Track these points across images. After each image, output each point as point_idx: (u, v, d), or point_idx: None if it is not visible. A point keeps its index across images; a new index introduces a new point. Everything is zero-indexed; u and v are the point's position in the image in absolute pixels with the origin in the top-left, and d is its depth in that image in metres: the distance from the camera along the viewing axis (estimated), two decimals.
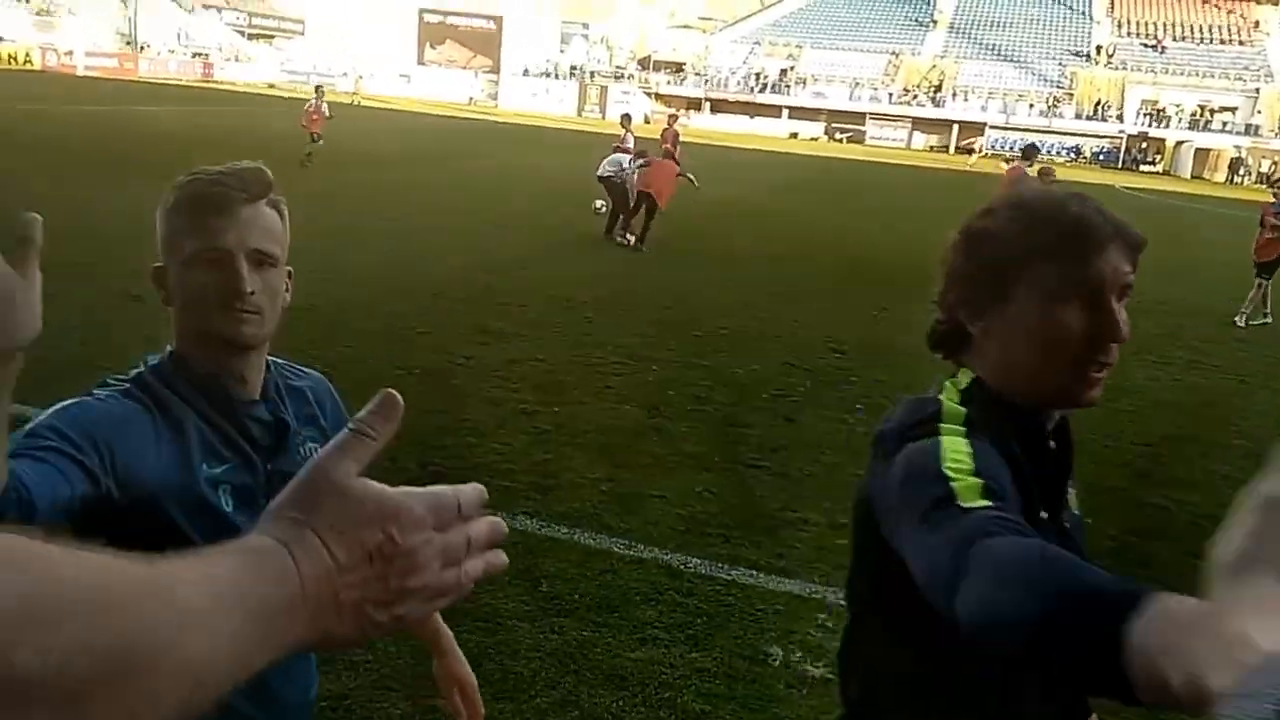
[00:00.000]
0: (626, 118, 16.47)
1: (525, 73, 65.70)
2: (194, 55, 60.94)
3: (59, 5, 54.68)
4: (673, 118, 19.11)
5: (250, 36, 67.71)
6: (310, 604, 0.53)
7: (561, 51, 68.78)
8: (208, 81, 57.08)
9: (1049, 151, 57.14)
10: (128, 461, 1.27)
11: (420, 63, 68.24)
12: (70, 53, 50.82)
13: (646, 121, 60.24)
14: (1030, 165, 13.24)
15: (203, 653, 0.47)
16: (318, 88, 21.16)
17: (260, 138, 24.25)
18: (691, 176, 14.04)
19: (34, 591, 0.40)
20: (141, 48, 57.71)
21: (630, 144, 14.65)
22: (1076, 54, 62.36)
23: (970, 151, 48.46)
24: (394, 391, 0.61)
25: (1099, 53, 61.86)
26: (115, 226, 10.98)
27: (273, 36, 70.73)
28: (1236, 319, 12.02)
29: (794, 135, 58.66)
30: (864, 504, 1.37)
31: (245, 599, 0.50)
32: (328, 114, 19.44)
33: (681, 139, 18.04)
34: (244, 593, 0.50)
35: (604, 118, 60.71)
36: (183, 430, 1.37)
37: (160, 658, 0.44)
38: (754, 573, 4.34)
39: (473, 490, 0.63)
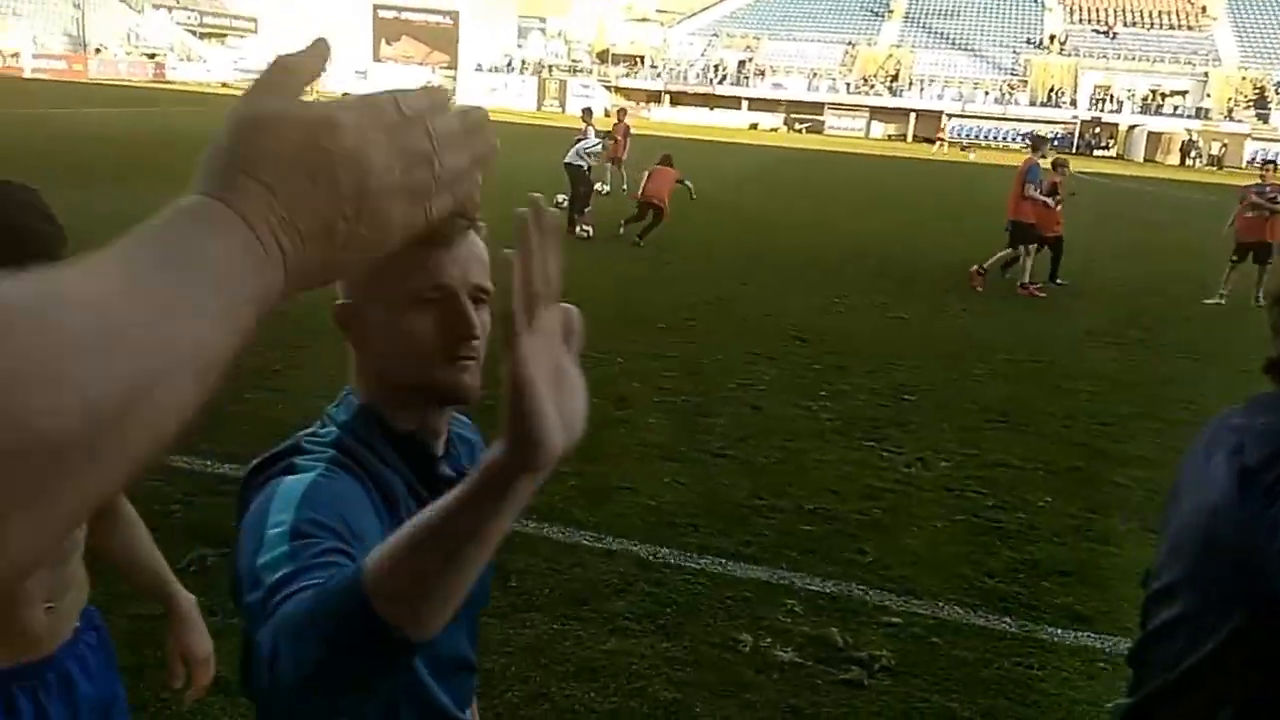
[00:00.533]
0: (588, 112, 16.51)
1: (482, 68, 65.32)
2: (145, 56, 59.92)
3: (3, 6, 53.48)
4: (621, 112, 19.52)
5: (202, 36, 66.69)
6: (272, 247, 0.49)
7: (519, 46, 68.44)
8: (160, 82, 56.16)
9: (1004, 138, 57.92)
10: (367, 545, 1.02)
11: (376, 59, 67.60)
12: (16, 54, 49.77)
13: (606, 115, 60.27)
14: (1043, 157, 13.07)
15: (199, 337, 0.44)
16: (586, 111, 18.09)
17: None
18: (690, 185, 14.09)
19: (30, 349, 0.37)
20: (97, 49, 56.62)
21: (591, 137, 14.71)
22: (1029, 41, 63.09)
23: (934, 141, 48.83)
24: (324, 39, 0.57)
25: (1052, 40, 62.62)
26: (69, 233, 10.80)
27: (225, 35, 69.71)
28: (1218, 299, 12.23)
29: (754, 126, 58.84)
30: (1229, 547, 1.26)
31: (210, 264, 0.46)
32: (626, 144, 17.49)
33: (632, 133, 18.39)
34: (207, 258, 0.46)
35: (564, 111, 60.54)
36: (395, 502, 1.18)
37: (171, 362, 0.42)
38: (723, 561, 4.37)
39: (421, 92, 0.57)
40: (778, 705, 3.36)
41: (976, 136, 58.05)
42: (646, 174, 13.65)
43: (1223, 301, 12.20)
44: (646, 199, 13.36)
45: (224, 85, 58.23)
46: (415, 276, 1.15)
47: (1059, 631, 4.00)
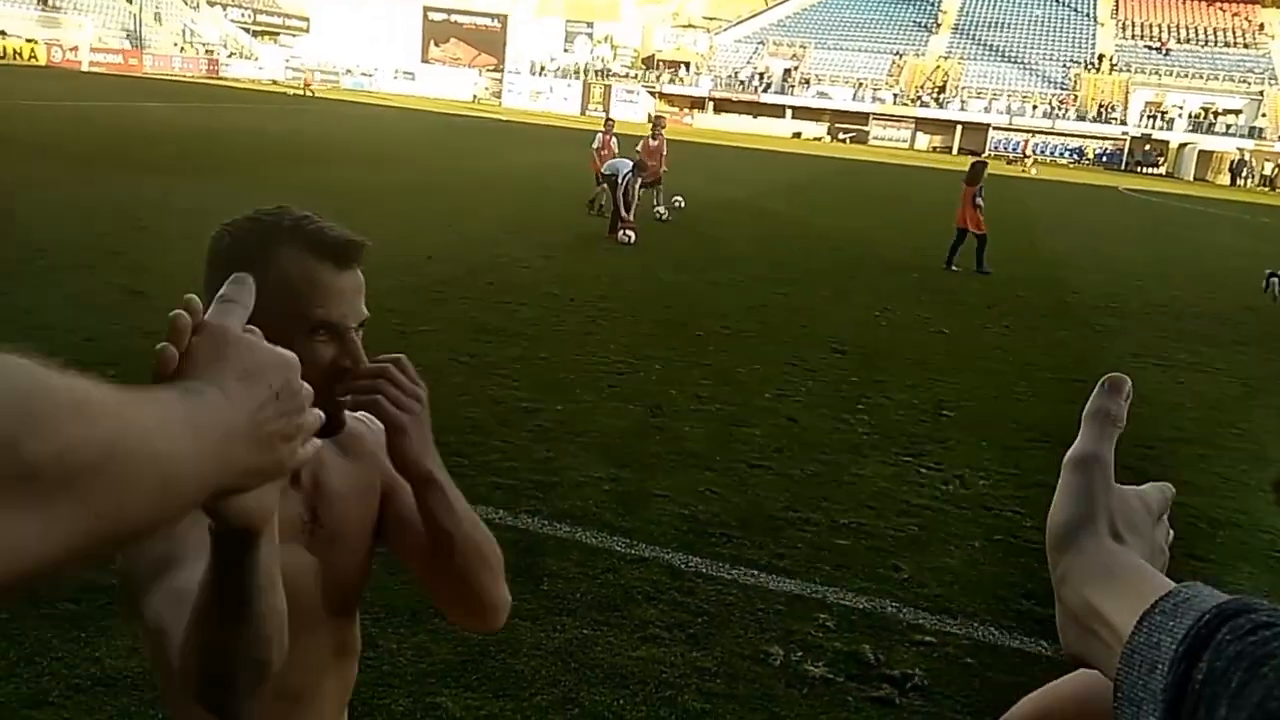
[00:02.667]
0: (610, 122, 16.95)
1: (530, 71, 65.69)
2: (200, 51, 60.98)
3: (65, 1, 54.70)
4: (659, 121, 17.10)
5: (255, 33, 67.69)
6: (242, 433, 0.62)
7: (566, 50, 68.70)
8: (213, 78, 57.09)
9: (1051, 153, 57.17)
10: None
11: (424, 60, 68.25)
12: (75, 49, 50.83)
13: (649, 120, 60.33)
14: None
15: (170, 453, 0.54)
16: (607, 119, 17.06)
17: (265, 135, 24.27)
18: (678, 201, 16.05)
19: (34, 392, 0.46)
20: (147, 49, 57.69)
21: (614, 148, 15.58)
22: (1079, 58, 62.27)
23: (1022, 160, 47.92)
24: (243, 274, 0.74)
25: (1101, 59, 61.76)
26: (120, 222, 11.01)
27: (278, 34, 70.71)
28: None
29: (797, 135, 58.61)
30: None
31: (191, 418, 0.58)
32: (616, 150, 15.70)
33: (665, 153, 16.01)
34: (189, 413, 0.58)
35: (608, 115, 60.72)
36: None
37: (138, 452, 0.51)
38: (755, 572, 4.34)
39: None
40: None
41: (1024, 151, 57.39)
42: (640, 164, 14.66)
43: None
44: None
45: (275, 83, 59.07)
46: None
47: None
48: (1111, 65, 60.99)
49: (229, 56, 62.53)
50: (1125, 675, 0.50)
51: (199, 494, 0.58)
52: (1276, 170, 52.68)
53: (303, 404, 0.69)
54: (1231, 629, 0.46)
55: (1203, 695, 0.44)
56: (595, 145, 15.85)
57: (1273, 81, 58.23)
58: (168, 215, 11.56)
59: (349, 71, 64.36)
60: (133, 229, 10.71)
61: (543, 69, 65.81)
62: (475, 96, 64.46)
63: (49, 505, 0.45)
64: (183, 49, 59.70)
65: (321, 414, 0.74)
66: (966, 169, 14.36)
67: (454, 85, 64.79)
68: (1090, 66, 61.18)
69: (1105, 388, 0.67)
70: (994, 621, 4.13)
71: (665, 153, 15.87)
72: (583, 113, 61.46)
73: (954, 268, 13.89)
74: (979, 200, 13.88)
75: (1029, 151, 49.35)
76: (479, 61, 67.84)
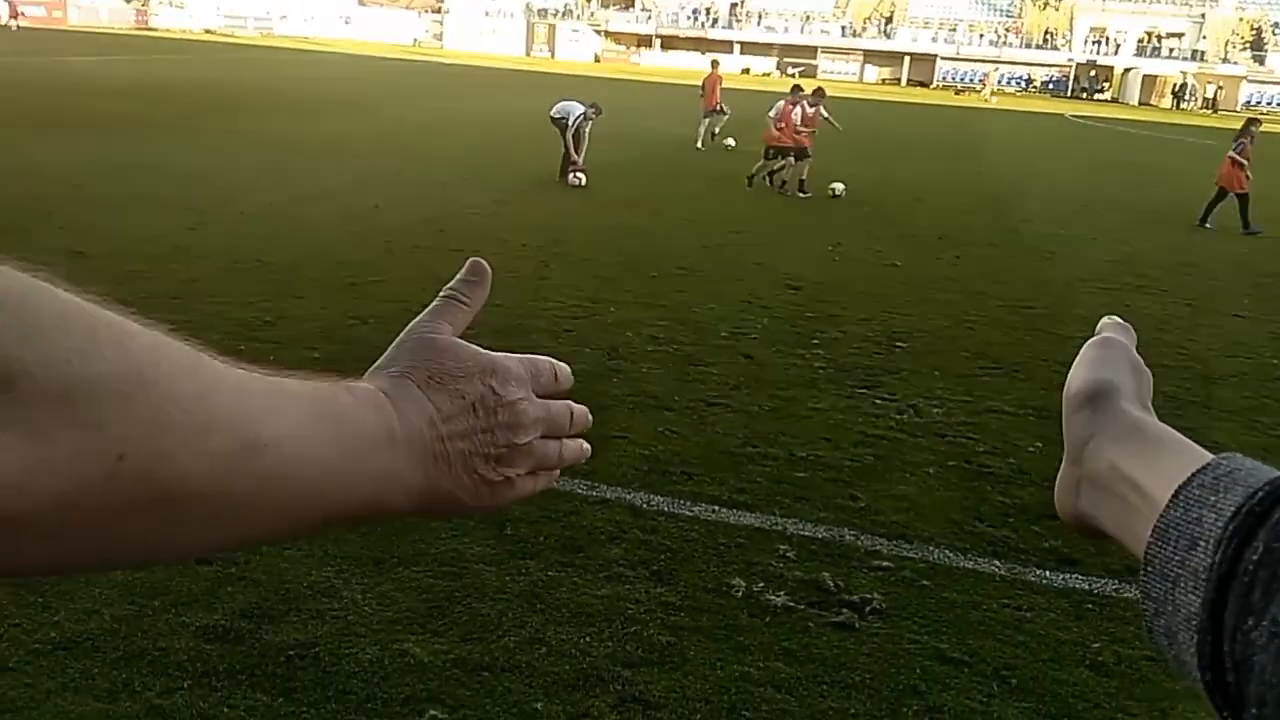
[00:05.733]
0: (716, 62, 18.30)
1: (472, 10, 64.26)
2: (128, 2, 58.75)
3: None
4: (715, 63, 19.90)
5: None
6: (411, 445, 0.51)
7: None
8: (142, 29, 55.14)
9: (999, 83, 57.32)
10: None
11: (361, 3, 66.42)
12: None
13: (597, 60, 59.39)
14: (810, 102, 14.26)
15: (248, 411, 0.43)
16: (714, 61, 20.15)
17: (201, 86, 23.57)
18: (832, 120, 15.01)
19: (27, 294, 0.36)
20: (72, 1, 55.47)
21: (786, 113, 14.20)
22: None
23: (979, 88, 48.21)
24: (481, 260, 0.63)
25: None
26: (53, 183, 10.68)
27: None
28: None
29: (746, 71, 58.10)
30: None
31: (323, 404, 0.48)
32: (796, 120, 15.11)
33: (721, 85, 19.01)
34: (323, 399, 0.48)
35: (553, 57, 59.74)
36: None
37: (178, 386, 0.39)
38: (716, 508, 4.41)
39: (566, 367, 0.64)
40: (770, 648, 3.42)
41: (970, 80, 57.48)
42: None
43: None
44: (778, 142, 14.20)
45: (208, 32, 57.22)
46: None
47: (1047, 574, 4.06)
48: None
49: (159, 4, 60.36)
50: (1158, 550, 0.48)
51: (335, 492, 0.47)
52: (1219, 92, 53.34)
53: (518, 420, 0.57)
54: None
55: (1257, 577, 0.41)
56: (772, 114, 14.16)
57: (1214, 3, 58.66)
58: (105, 173, 11.23)
59: (284, 17, 62.48)
60: (68, 188, 10.39)
61: (483, 10, 64.40)
62: (416, 40, 63.00)
63: (36, 423, 0.34)
64: None
65: (577, 444, 0.63)
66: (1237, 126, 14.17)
67: (393, 29, 63.23)
68: None
69: (1113, 322, 0.67)
70: (948, 544, 4.24)
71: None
72: (527, 53, 60.40)
73: (1207, 225, 13.56)
74: (1241, 156, 13.47)
75: (989, 82, 49.54)
76: (417, 3, 66.15)
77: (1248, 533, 0.43)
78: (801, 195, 13.78)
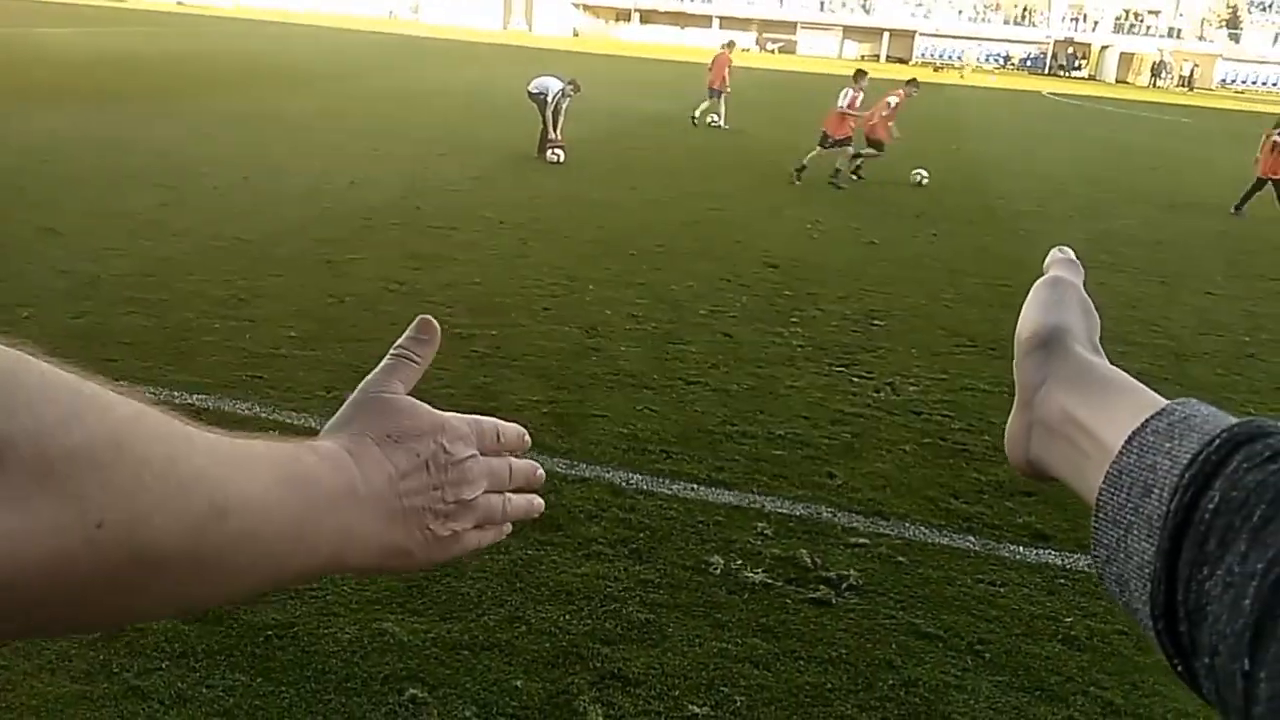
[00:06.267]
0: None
1: None
2: None
3: None
4: (729, 45, 19.96)
5: None
6: (371, 501, 0.53)
7: None
8: (114, 2, 54.19)
9: (978, 60, 57.36)
10: None
11: None
12: None
13: (575, 35, 58.92)
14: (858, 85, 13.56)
15: (217, 475, 0.43)
16: (729, 43, 20.27)
17: (174, 59, 23.22)
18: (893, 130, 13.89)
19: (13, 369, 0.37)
20: None
21: (854, 100, 13.50)
22: None
23: (957, 67, 48.39)
24: (430, 317, 0.65)
25: None
26: (23, 156, 10.51)
27: None
28: None
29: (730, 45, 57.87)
30: None
31: (288, 465, 0.49)
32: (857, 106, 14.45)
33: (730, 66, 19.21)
34: (288, 461, 0.49)
35: (530, 30, 59.22)
36: None
37: (153, 452, 0.40)
38: (695, 486, 4.43)
39: (513, 427, 0.66)
40: (748, 625, 3.45)
41: (949, 57, 57.50)
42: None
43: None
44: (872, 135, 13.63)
45: (180, 4, 56.30)
46: None
47: (1020, 549, 4.11)
48: None
49: None
50: (1111, 496, 0.47)
51: (299, 552, 0.49)
52: (1195, 70, 53.64)
53: (464, 477, 0.59)
54: (1248, 455, 0.41)
55: (1213, 526, 0.40)
56: (842, 103, 13.40)
57: None
58: (77, 147, 11.06)
59: None
60: (39, 163, 10.23)
61: None
62: (391, 12, 62.28)
63: (19, 494, 0.36)
64: None
65: (526, 499, 0.65)
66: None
67: (368, 1, 62.47)
68: None
69: (1057, 251, 0.66)
70: (924, 521, 4.29)
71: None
72: (504, 27, 59.83)
73: (1241, 213, 13.34)
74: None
75: (969, 60, 49.72)
76: None
77: (1204, 481, 0.42)
78: (845, 185, 13.24)
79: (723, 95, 18.96)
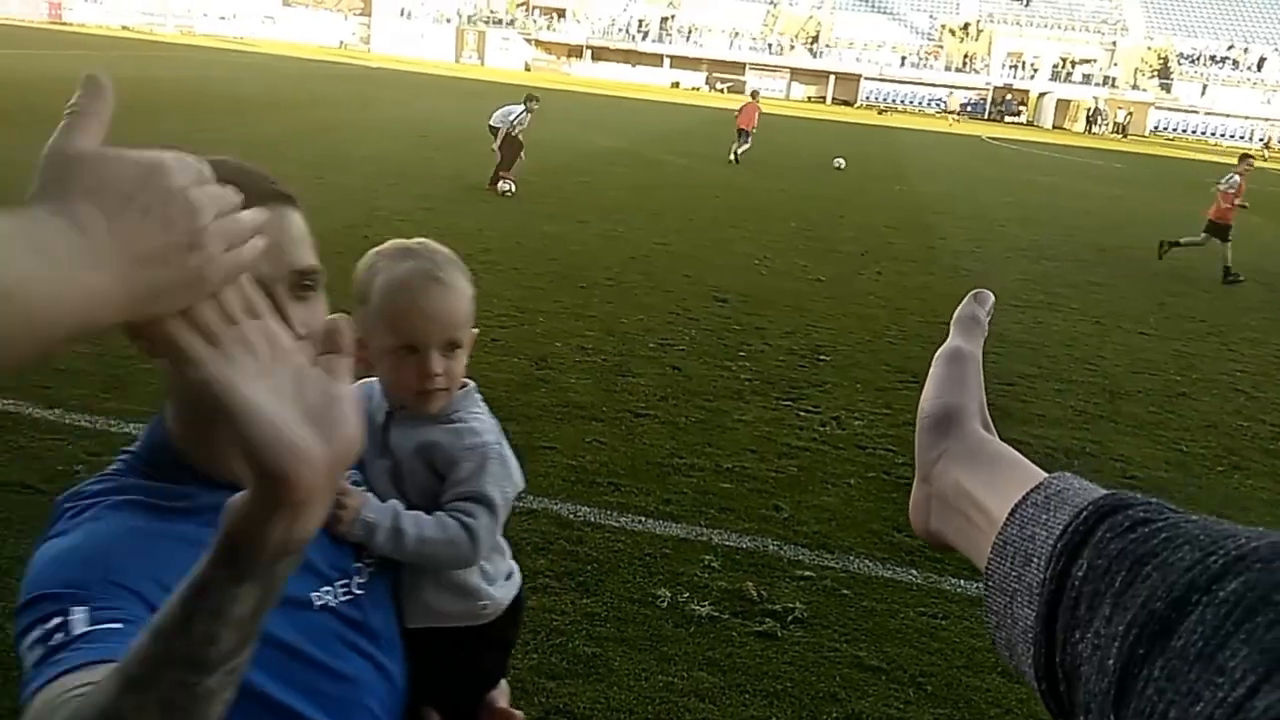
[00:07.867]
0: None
1: (401, 14, 63.57)
2: None
3: None
4: (754, 94, 22.36)
5: None
6: (103, 252, 0.53)
7: None
8: (56, 24, 53.31)
9: (920, 103, 58.82)
10: None
11: (285, 3, 65.21)
12: None
13: (527, 69, 59.26)
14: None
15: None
16: (755, 92, 23.73)
17: (118, 84, 22.86)
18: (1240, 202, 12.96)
19: None
20: None
21: (516, 109, 13.75)
22: (946, 7, 63.89)
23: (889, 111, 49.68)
24: (95, 74, 0.62)
25: (963, 9, 63.49)
26: None
27: None
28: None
29: (675, 85, 58.64)
30: None
31: (14, 235, 0.50)
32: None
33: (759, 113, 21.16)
34: (22, 233, 0.50)
35: (483, 64, 59.45)
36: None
37: None
38: (642, 519, 4.44)
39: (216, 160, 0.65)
40: (695, 658, 3.45)
41: (893, 101, 58.89)
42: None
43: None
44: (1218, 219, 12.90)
45: (125, 28, 55.59)
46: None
47: (961, 582, 4.18)
48: (977, 26, 62.83)
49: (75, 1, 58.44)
50: (997, 565, 0.51)
51: (70, 310, 0.51)
52: (1128, 117, 55.51)
53: (189, 207, 0.57)
54: (1111, 526, 0.45)
55: (1082, 592, 0.44)
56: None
57: (1124, 32, 61.11)
58: (22, 172, 10.82)
59: (206, 15, 61.07)
60: None
61: (411, 14, 63.80)
62: (343, 42, 62.12)
63: None
64: None
65: (250, 211, 0.62)
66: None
67: (319, 30, 62.25)
68: (953, 18, 62.89)
69: (972, 298, 0.71)
70: (868, 554, 4.34)
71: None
72: (457, 60, 59.96)
73: (1241, 279, 12.59)
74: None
75: (952, 106, 51.34)
76: (344, 4, 65.23)
77: (1074, 550, 0.46)
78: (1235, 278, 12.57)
79: (749, 135, 20.87)
